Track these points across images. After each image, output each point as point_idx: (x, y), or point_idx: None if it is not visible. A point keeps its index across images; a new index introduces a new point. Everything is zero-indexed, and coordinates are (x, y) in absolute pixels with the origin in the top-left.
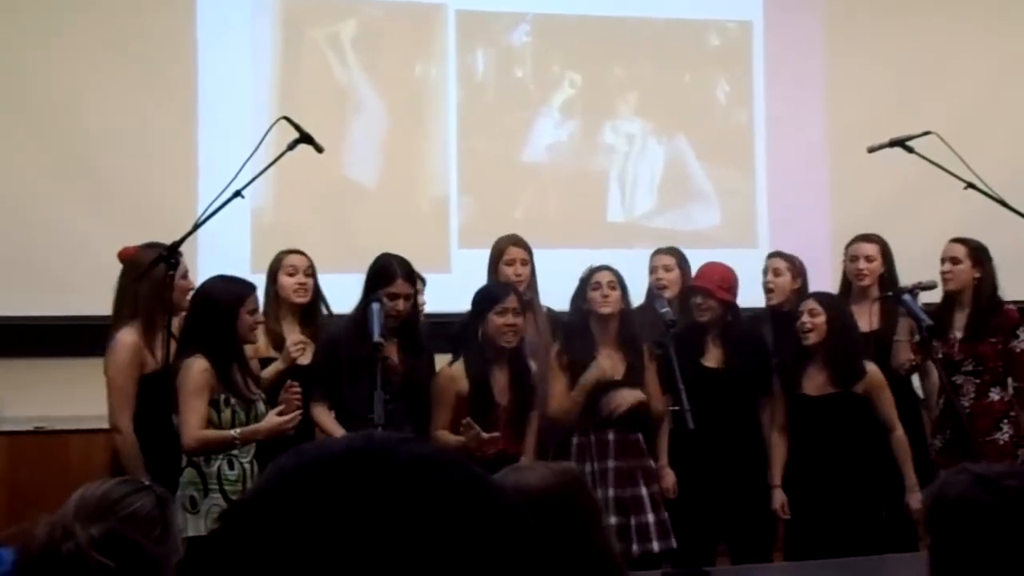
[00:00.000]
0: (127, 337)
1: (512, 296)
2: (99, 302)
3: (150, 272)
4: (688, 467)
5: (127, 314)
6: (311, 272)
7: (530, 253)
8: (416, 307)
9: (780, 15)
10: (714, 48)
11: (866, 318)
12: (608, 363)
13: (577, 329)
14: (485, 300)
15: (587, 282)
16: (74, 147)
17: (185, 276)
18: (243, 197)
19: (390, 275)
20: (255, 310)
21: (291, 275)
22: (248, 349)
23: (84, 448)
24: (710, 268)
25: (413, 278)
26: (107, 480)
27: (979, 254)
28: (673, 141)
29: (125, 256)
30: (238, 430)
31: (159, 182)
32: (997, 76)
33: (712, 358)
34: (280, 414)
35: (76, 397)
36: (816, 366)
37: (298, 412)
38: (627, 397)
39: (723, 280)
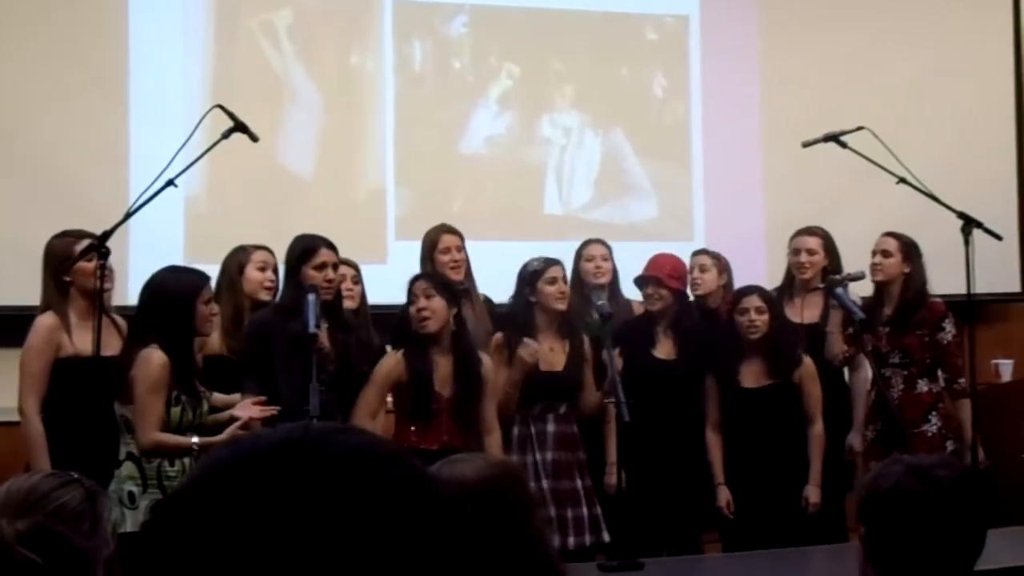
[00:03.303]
0: (43, 319)
1: (421, 280)
2: (22, 292)
3: (78, 262)
4: (636, 458)
5: (43, 304)
6: (276, 270)
7: (463, 241)
8: (339, 287)
9: (716, 10)
10: (651, 42)
11: (807, 311)
12: (534, 349)
13: (519, 320)
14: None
15: (539, 275)
16: (0, 134)
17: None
18: (176, 186)
19: (313, 247)
20: (210, 300)
21: (262, 271)
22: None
23: (7, 441)
24: (661, 258)
25: (334, 247)
26: (34, 474)
27: (910, 250)
28: (610, 134)
29: None
30: (197, 440)
31: (89, 170)
32: (928, 72)
33: (663, 349)
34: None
35: None
36: (753, 359)
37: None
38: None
39: (674, 270)
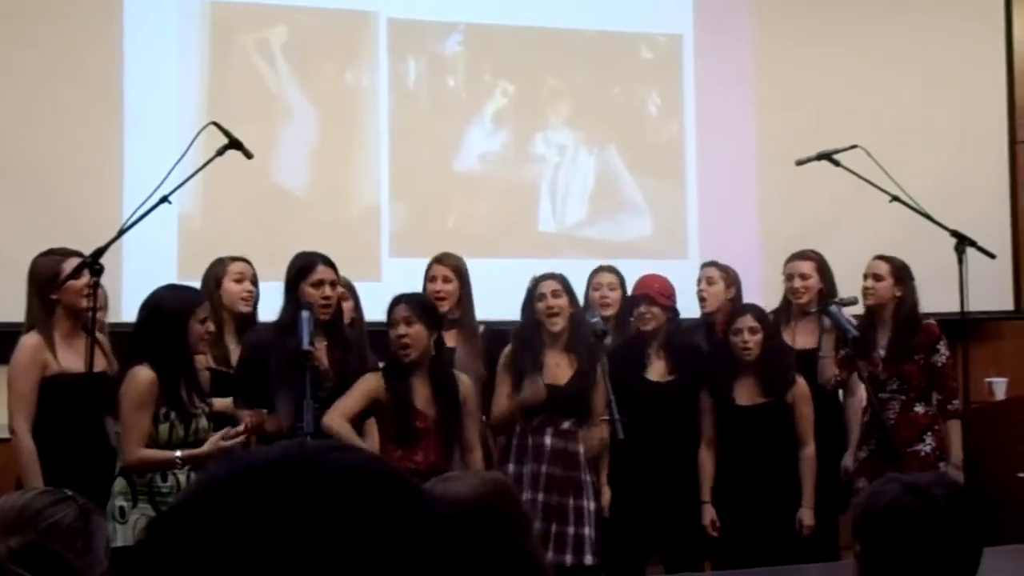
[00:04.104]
0: (27, 339)
1: (401, 305)
2: (10, 308)
3: (70, 280)
4: (628, 477)
5: (28, 323)
6: (256, 281)
7: (459, 272)
8: (340, 303)
9: (710, 29)
10: (645, 60)
11: (801, 336)
12: (539, 388)
13: (526, 336)
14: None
15: (534, 292)
16: None
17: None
18: (170, 203)
19: (310, 264)
20: (205, 319)
21: (238, 282)
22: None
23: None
24: (650, 279)
25: (333, 265)
26: (28, 491)
27: (901, 272)
28: (604, 152)
29: None
30: (180, 453)
31: (83, 187)
32: (921, 90)
33: (655, 370)
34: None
35: None
36: (748, 377)
37: (244, 438)
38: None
39: (663, 289)
